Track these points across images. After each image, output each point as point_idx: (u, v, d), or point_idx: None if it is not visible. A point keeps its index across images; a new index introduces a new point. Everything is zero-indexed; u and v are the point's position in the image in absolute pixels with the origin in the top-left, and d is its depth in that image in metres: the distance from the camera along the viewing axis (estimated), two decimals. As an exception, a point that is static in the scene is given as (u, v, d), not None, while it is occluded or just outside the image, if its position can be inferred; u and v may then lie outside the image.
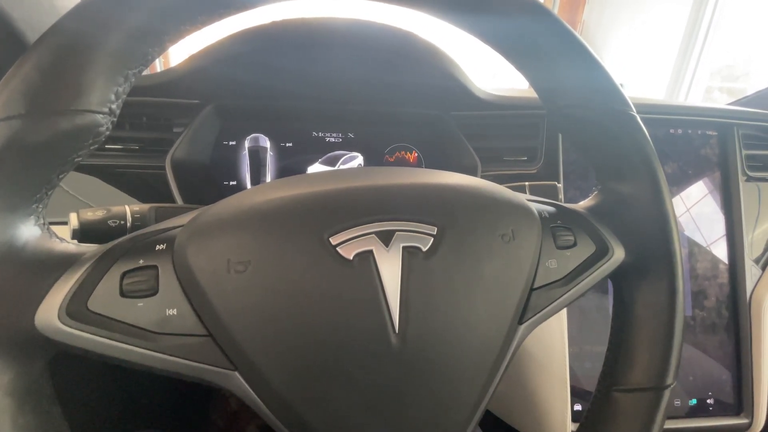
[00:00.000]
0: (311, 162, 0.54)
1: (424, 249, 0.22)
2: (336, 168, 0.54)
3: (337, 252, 0.21)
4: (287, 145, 0.53)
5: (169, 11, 0.20)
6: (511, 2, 0.24)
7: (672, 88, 2.21)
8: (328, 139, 0.54)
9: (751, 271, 0.58)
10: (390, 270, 0.21)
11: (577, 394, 0.53)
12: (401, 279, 0.21)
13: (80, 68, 0.18)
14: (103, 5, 0.19)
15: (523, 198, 0.26)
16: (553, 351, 0.51)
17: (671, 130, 0.60)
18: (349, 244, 0.21)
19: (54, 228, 0.22)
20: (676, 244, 0.27)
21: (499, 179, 0.56)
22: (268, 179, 0.52)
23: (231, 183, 0.52)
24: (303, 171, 0.54)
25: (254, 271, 0.20)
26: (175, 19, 0.20)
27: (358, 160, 0.55)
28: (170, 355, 0.20)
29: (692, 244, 0.59)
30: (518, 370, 0.53)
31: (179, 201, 0.46)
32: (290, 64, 0.48)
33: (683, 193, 0.59)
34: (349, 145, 0.55)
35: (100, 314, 0.20)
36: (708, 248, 0.59)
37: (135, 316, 0.20)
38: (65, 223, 0.28)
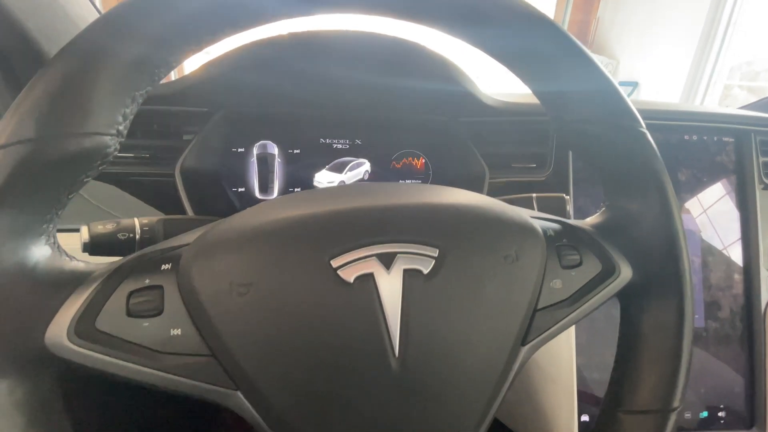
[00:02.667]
0: (318, 168, 0.54)
1: (426, 272, 0.22)
2: (343, 174, 0.54)
3: (337, 275, 0.21)
4: (295, 151, 0.53)
5: (174, 33, 0.20)
6: (515, 16, 0.24)
7: (689, 87, 2.16)
8: (335, 145, 0.54)
9: (767, 282, 0.57)
10: (391, 293, 0.21)
11: (584, 404, 0.52)
12: (402, 302, 0.21)
13: (88, 92, 0.19)
14: (110, 28, 0.19)
15: (527, 216, 0.26)
16: (560, 361, 0.50)
17: (686, 137, 0.58)
18: (349, 267, 0.21)
19: (65, 236, 0.22)
20: (686, 263, 0.26)
21: (507, 187, 0.55)
22: (276, 186, 0.53)
23: (239, 190, 0.52)
24: (310, 177, 0.54)
25: (256, 294, 0.20)
26: (181, 41, 0.21)
27: (365, 166, 0.55)
28: (174, 375, 0.20)
29: (706, 254, 0.57)
30: (526, 380, 0.52)
31: (188, 208, 0.47)
32: (298, 72, 0.48)
33: (698, 201, 0.58)
34: (356, 152, 0.55)
35: (107, 333, 0.20)
36: (722, 257, 0.58)
37: (140, 336, 0.20)
38: (77, 230, 0.29)
